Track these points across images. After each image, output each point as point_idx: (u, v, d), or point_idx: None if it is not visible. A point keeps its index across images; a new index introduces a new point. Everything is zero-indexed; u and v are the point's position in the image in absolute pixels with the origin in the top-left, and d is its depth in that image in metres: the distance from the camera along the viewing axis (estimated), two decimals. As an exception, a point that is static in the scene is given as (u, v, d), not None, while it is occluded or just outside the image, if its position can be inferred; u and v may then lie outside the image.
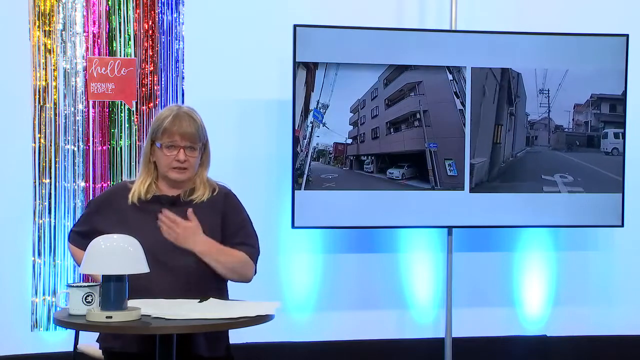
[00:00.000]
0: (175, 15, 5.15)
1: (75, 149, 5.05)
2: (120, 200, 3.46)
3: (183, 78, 5.17)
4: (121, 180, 4.98)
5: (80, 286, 3.02)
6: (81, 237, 3.46)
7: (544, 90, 5.28)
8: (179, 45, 5.16)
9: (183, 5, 5.17)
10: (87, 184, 5.06)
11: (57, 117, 5.03)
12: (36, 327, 5.02)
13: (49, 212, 5.02)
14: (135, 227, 3.34)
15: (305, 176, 5.03)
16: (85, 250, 3.03)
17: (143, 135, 5.10)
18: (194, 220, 3.35)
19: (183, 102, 5.10)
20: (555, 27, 5.35)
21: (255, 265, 3.49)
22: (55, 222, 5.03)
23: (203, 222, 3.40)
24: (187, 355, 3.32)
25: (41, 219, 5.02)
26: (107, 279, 2.95)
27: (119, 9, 5.07)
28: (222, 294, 3.44)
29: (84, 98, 5.05)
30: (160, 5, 5.12)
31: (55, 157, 5.04)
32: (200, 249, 3.35)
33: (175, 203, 3.43)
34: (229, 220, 3.46)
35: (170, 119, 3.42)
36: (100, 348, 3.49)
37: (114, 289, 2.94)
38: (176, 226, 3.33)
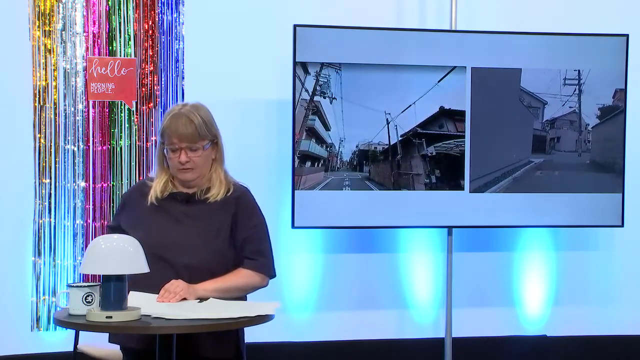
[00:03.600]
0: (175, 15, 5.15)
1: (75, 149, 5.05)
2: (138, 199, 3.47)
3: (183, 78, 5.17)
4: (113, 177, 5.01)
5: (80, 286, 3.02)
6: (113, 232, 3.45)
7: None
8: (179, 45, 5.16)
9: (183, 5, 5.17)
10: (87, 184, 5.06)
11: (57, 117, 5.03)
12: (36, 327, 5.02)
13: (49, 212, 5.02)
14: (148, 224, 3.37)
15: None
16: None
17: (143, 135, 5.11)
18: (180, 283, 3.29)
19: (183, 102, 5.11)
20: (555, 27, 5.35)
21: (268, 270, 3.46)
22: (55, 222, 5.03)
23: (213, 222, 3.40)
24: (192, 356, 3.32)
25: (41, 219, 5.02)
26: (107, 279, 2.95)
27: (119, 9, 5.07)
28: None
29: (84, 98, 5.05)
30: (160, 5, 5.12)
31: (55, 157, 5.04)
32: (201, 295, 3.32)
33: (190, 200, 3.43)
34: (240, 224, 3.43)
35: (167, 121, 3.41)
36: (109, 341, 3.49)
37: (114, 289, 2.95)
38: (173, 295, 3.25)
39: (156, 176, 3.49)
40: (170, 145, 3.39)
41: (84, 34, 5.05)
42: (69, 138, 5.05)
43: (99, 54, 5.06)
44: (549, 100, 5.24)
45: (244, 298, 3.45)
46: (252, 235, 3.45)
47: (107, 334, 3.44)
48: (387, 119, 5.11)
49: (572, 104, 5.27)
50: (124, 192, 4.91)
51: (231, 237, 3.42)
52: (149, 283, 3.24)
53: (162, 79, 5.14)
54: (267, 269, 3.46)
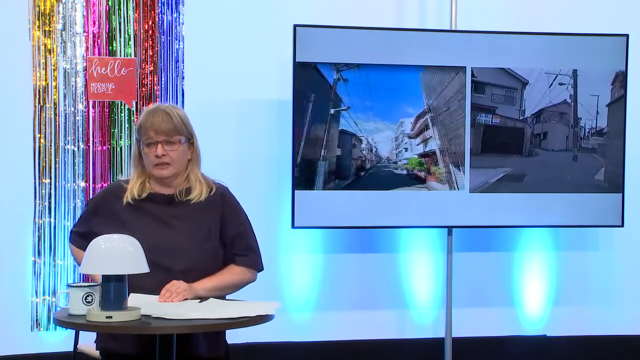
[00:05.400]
0: (175, 15, 5.16)
1: (75, 149, 5.05)
2: (116, 201, 3.44)
3: (183, 78, 5.17)
4: (115, 180, 4.99)
5: (80, 286, 3.02)
6: (81, 237, 3.46)
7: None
8: (179, 45, 5.17)
9: (183, 5, 5.17)
10: (87, 184, 5.06)
11: (57, 117, 5.03)
12: (36, 327, 5.03)
13: (49, 212, 5.02)
14: (132, 227, 3.33)
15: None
16: (85, 251, 3.03)
17: (143, 135, 5.10)
18: (180, 284, 3.29)
19: (183, 102, 5.10)
20: (555, 27, 5.36)
21: (258, 266, 3.50)
22: (55, 222, 5.03)
23: (202, 223, 3.41)
24: (187, 355, 3.32)
25: (41, 219, 5.02)
26: (107, 279, 2.95)
27: (119, 9, 5.08)
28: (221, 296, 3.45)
29: (84, 98, 5.06)
30: (160, 5, 5.12)
31: (55, 157, 5.04)
32: (201, 294, 3.33)
33: (171, 202, 3.43)
34: (227, 223, 3.45)
35: (144, 117, 3.43)
36: (97, 349, 3.49)
37: (114, 289, 2.95)
38: (175, 295, 3.26)
39: (132, 177, 3.48)
40: (147, 139, 3.39)
41: (84, 34, 5.05)
42: (69, 138, 5.05)
43: (99, 54, 5.07)
44: (530, 80, 5.20)
45: (223, 298, 3.46)
46: (241, 232, 3.47)
47: (94, 340, 3.44)
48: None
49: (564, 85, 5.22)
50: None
51: (220, 236, 3.43)
52: (145, 288, 3.24)
53: (162, 79, 5.14)
54: (257, 265, 3.51)
